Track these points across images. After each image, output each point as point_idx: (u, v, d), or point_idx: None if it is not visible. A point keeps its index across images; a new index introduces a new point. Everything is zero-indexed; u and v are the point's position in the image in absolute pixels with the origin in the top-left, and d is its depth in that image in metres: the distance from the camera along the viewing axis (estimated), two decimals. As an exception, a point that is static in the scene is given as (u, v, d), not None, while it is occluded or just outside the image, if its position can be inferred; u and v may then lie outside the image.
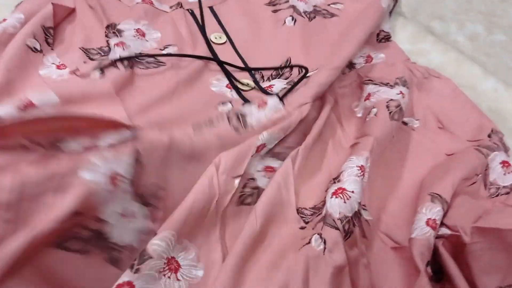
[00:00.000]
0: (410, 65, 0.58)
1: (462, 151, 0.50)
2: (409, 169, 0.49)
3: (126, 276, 0.34)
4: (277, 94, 0.49)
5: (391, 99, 0.51)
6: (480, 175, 0.47)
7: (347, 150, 0.49)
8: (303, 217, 0.42)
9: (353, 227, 0.40)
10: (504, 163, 0.49)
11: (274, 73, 0.56)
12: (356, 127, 0.52)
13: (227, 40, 0.59)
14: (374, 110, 0.50)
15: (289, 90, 0.50)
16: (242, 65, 0.57)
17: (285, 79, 0.55)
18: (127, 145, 0.39)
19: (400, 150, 0.50)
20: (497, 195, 0.47)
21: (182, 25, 0.59)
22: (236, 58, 0.58)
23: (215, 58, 0.55)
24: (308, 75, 0.53)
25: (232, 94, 0.53)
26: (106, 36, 0.54)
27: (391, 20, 0.67)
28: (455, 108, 0.55)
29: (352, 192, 0.42)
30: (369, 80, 0.55)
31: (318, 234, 0.39)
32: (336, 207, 0.40)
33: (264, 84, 0.55)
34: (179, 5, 0.62)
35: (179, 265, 0.38)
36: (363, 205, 0.44)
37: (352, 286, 0.39)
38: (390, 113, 0.50)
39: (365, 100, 0.53)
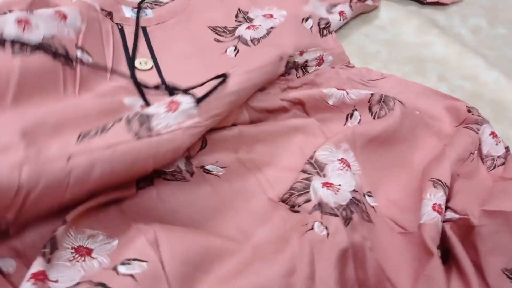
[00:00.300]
0: (350, 73, 0.57)
1: (455, 134, 0.50)
2: (414, 158, 0.50)
3: (40, 265, 0.33)
4: (191, 94, 0.41)
5: (372, 94, 0.50)
6: (476, 152, 0.48)
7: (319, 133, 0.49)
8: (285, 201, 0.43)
9: (351, 214, 0.41)
10: (493, 134, 0.50)
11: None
12: (329, 115, 0.51)
13: (153, 66, 0.53)
14: (357, 114, 0.51)
15: (207, 95, 0.42)
16: (164, 90, 0.49)
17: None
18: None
19: (404, 139, 0.50)
20: (494, 167, 0.48)
21: (107, 38, 0.52)
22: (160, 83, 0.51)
23: (132, 77, 0.49)
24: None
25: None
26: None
27: (393, 11, 0.67)
28: (423, 102, 0.54)
29: (339, 185, 0.43)
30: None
31: (319, 221, 0.40)
32: (330, 198, 0.41)
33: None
34: (110, 15, 0.55)
35: (89, 249, 0.37)
36: (369, 192, 0.45)
37: (361, 268, 0.39)
38: (372, 114, 0.50)
39: (338, 89, 0.51)
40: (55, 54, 0.44)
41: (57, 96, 0.42)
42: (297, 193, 0.42)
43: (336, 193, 0.42)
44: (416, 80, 0.59)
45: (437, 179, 0.44)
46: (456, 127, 0.52)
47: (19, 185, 0.32)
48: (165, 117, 0.39)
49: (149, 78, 0.51)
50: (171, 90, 0.48)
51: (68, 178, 0.34)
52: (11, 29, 0.43)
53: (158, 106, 0.40)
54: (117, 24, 0.55)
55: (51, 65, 0.43)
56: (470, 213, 0.41)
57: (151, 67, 0.53)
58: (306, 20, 0.59)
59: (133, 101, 0.47)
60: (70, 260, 0.38)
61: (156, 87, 0.49)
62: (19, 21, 0.44)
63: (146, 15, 0.59)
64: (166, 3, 0.61)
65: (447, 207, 0.43)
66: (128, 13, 0.57)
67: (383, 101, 0.50)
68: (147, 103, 0.47)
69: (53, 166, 0.34)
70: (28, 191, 0.33)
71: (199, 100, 0.41)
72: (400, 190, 0.47)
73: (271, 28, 0.58)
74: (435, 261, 0.38)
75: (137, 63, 0.52)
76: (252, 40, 0.57)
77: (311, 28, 0.59)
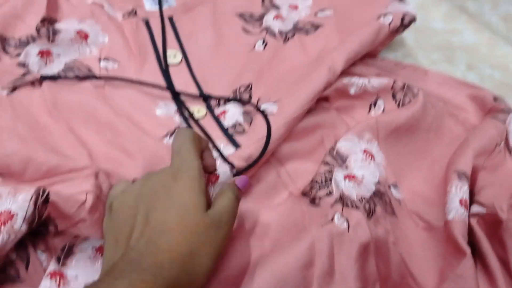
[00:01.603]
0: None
1: (480, 124, 0.48)
2: (438, 148, 0.48)
3: (55, 266, 0.36)
4: (231, 165, 0.41)
5: (394, 81, 0.49)
6: (502, 143, 0.46)
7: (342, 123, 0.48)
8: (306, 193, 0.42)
9: (374, 206, 0.40)
10: None
11: (231, 96, 0.49)
12: (352, 105, 0.50)
13: (183, 59, 0.52)
14: (380, 102, 0.49)
15: (249, 167, 0.42)
16: (195, 88, 0.50)
17: (243, 104, 0.48)
18: None
19: (429, 128, 0.49)
20: None
21: (132, 37, 0.52)
22: (190, 80, 0.51)
23: (169, 87, 0.48)
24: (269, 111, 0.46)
25: (178, 119, 0.47)
26: (37, 29, 0.48)
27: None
28: (446, 91, 0.53)
29: (363, 176, 0.42)
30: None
31: (340, 213, 0.39)
32: (352, 190, 0.41)
33: (218, 110, 0.48)
34: (133, 12, 0.54)
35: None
36: (394, 183, 0.44)
37: (383, 263, 0.39)
38: (396, 101, 0.48)
39: (359, 77, 0.49)
40: (78, 77, 0.46)
41: (100, 116, 0.44)
42: (318, 186, 0.42)
43: (359, 185, 0.41)
44: (444, 68, 0.58)
45: (462, 171, 0.42)
46: (482, 117, 0.50)
47: (77, 213, 0.36)
48: None
49: (179, 72, 0.51)
50: (205, 96, 0.49)
51: None
52: (34, 63, 0.46)
53: None
54: (142, 19, 0.54)
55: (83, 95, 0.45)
56: (498, 207, 0.39)
57: (181, 60, 0.52)
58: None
59: (166, 109, 0.47)
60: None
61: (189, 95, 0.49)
62: (41, 54, 0.47)
63: (169, 2, 0.58)
64: (188, -11, 0.61)
65: (472, 201, 0.42)
66: (149, 3, 0.57)
67: (406, 88, 0.49)
68: (180, 109, 0.47)
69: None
70: (84, 218, 0.36)
71: (239, 172, 0.41)
72: (424, 182, 0.46)
73: (297, 22, 0.56)
74: (468, 261, 0.37)
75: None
76: (280, 33, 0.55)
77: None
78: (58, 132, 0.42)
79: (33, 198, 0.34)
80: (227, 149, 0.44)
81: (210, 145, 0.42)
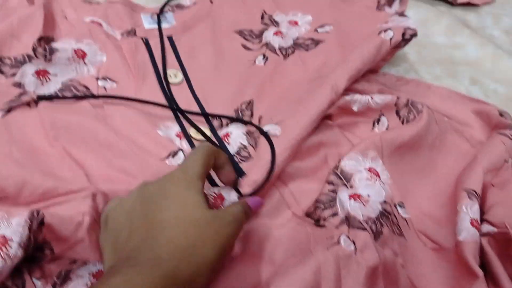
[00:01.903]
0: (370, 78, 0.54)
1: (487, 140, 0.47)
2: (443, 166, 0.47)
3: None
4: (238, 192, 0.40)
5: (398, 98, 0.48)
6: (510, 159, 0.45)
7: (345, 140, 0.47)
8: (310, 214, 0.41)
9: (381, 227, 0.39)
10: None
11: (233, 114, 0.49)
12: (355, 122, 0.49)
13: (183, 79, 0.51)
14: (384, 119, 0.48)
15: (253, 193, 0.40)
16: (197, 108, 0.49)
17: (245, 124, 0.47)
18: None
19: (433, 145, 0.48)
20: None
21: (131, 56, 0.51)
22: (191, 99, 0.50)
23: (171, 105, 0.48)
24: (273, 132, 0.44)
25: (181, 143, 0.46)
26: (33, 49, 0.47)
27: (423, 11, 0.65)
28: (450, 106, 0.52)
29: (368, 196, 0.41)
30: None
31: (346, 235, 0.38)
32: (358, 210, 0.39)
33: (221, 132, 0.47)
34: (132, 32, 0.54)
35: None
36: (400, 202, 0.43)
37: (392, 286, 0.37)
38: (400, 118, 0.48)
39: (362, 94, 0.48)
40: (75, 97, 0.45)
41: (98, 136, 0.43)
42: (322, 206, 0.40)
43: (364, 205, 0.40)
44: (447, 83, 0.57)
45: (472, 190, 0.41)
46: (488, 132, 0.49)
47: (74, 235, 0.35)
48: None
49: (180, 92, 0.50)
50: (207, 115, 0.48)
51: None
52: (30, 83, 0.45)
53: None
54: (142, 38, 0.54)
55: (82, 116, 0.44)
56: (510, 225, 0.38)
57: (182, 80, 0.51)
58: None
59: (167, 130, 0.46)
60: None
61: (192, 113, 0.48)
62: (37, 73, 0.46)
63: (168, 20, 0.57)
64: (188, 6, 0.60)
65: (482, 220, 0.41)
66: (148, 22, 0.56)
67: (410, 104, 0.48)
68: (182, 128, 0.46)
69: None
70: (82, 238, 0.35)
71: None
72: (431, 200, 0.45)
73: (297, 38, 0.56)
74: (481, 283, 0.36)
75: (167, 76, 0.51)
76: (280, 49, 0.54)
77: None
78: (54, 155, 0.41)
79: (27, 222, 0.33)
80: None
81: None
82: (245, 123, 0.47)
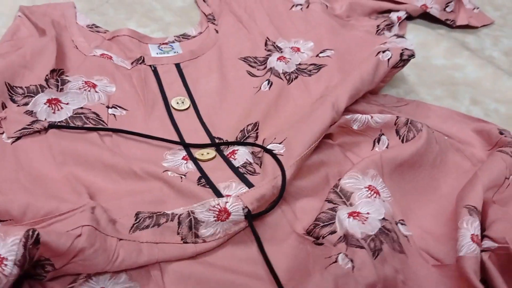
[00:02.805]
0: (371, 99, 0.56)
1: (488, 158, 0.48)
2: (445, 184, 0.48)
3: None
4: (248, 210, 0.40)
5: (397, 117, 0.49)
6: (511, 176, 0.45)
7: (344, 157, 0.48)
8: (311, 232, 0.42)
9: (381, 244, 0.39)
10: None
11: (239, 136, 0.50)
12: (355, 142, 0.50)
13: (190, 105, 0.53)
14: (384, 138, 0.49)
15: (262, 213, 0.41)
16: (203, 131, 0.50)
17: (251, 145, 0.48)
18: None
19: (433, 164, 0.48)
20: None
21: (140, 85, 0.53)
22: (198, 124, 0.51)
23: (182, 142, 0.48)
24: (276, 151, 0.45)
25: (187, 165, 0.46)
26: (46, 80, 0.50)
27: (422, 35, 0.66)
28: (450, 126, 0.53)
29: (368, 213, 0.41)
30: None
31: (344, 254, 0.38)
32: (356, 228, 0.40)
33: (227, 150, 0.48)
34: (141, 60, 0.56)
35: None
36: (401, 219, 0.44)
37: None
38: (400, 137, 0.49)
39: (362, 114, 0.50)
40: (85, 128, 0.47)
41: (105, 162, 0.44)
42: (321, 224, 0.41)
43: (363, 223, 0.40)
44: (448, 103, 0.58)
45: (472, 206, 0.42)
46: (489, 151, 0.50)
47: (73, 247, 0.35)
48: (213, 226, 0.39)
49: (187, 118, 0.51)
50: (215, 145, 0.49)
51: (115, 257, 0.36)
52: (42, 111, 0.47)
53: (208, 213, 0.39)
54: (150, 65, 0.56)
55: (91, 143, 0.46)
56: (510, 241, 0.38)
57: (188, 107, 0.52)
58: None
59: (174, 158, 0.47)
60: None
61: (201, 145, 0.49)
62: (49, 102, 0.48)
63: (174, 50, 0.59)
64: (194, 36, 0.63)
65: (483, 236, 0.41)
66: (155, 52, 0.59)
67: (410, 123, 0.49)
68: (190, 154, 0.47)
69: (105, 243, 0.36)
70: (79, 254, 0.35)
71: (251, 216, 0.40)
72: (432, 218, 0.45)
73: (300, 64, 0.58)
74: None
75: (173, 103, 0.52)
76: (284, 74, 0.56)
77: None
78: (61, 180, 0.43)
79: (22, 241, 0.33)
80: (239, 189, 0.43)
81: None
82: (251, 145, 0.48)
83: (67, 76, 0.51)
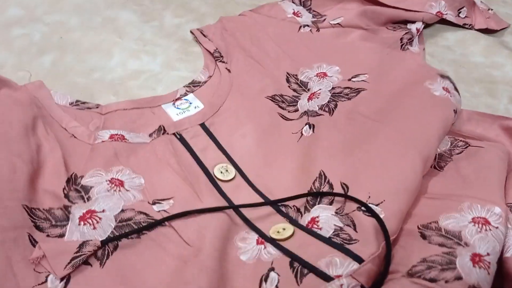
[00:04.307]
0: None
1: None
2: None
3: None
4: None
5: None
6: None
7: None
8: None
9: None
10: None
11: (309, 198, 0.43)
12: None
13: (236, 172, 0.46)
14: None
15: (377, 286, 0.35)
16: (262, 201, 0.43)
17: (330, 203, 0.42)
18: None
19: None
20: None
21: (173, 160, 0.46)
22: (253, 194, 0.44)
23: (242, 217, 0.42)
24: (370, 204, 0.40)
25: (268, 251, 0.39)
26: (66, 196, 0.41)
27: (460, 32, 0.64)
28: (475, 126, 0.51)
29: (488, 255, 0.37)
30: None
31: None
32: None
33: (305, 219, 0.41)
34: (161, 130, 0.48)
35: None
36: None
37: None
38: None
39: None
40: (142, 229, 0.40)
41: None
42: (439, 267, 0.36)
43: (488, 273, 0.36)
44: (486, 101, 0.55)
45: None
46: None
47: None
48: None
49: (238, 188, 0.44)
50: (278, 207, 0.43)
51: None
52: (83, 234, 0.39)
53: None
54: (174, 134, 0.48)
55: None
56: None
57: (235, 175, 0.45)
58: None
59: (248, 245, 0.40)
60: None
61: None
62: (82, 219, 0.40)
63: (194, 104, 0.52)
64: (205, 82, 0.55)
65: None
66: (172, 111, 0.51)
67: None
68: (263, 236, 0.40)
69: None
70: None
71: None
72: None
73: (333, 88, 0.52)
74: None
75: (217, 173, 0.45)
76: (321, 108, 0.50)
77: None
78: None
79: None
80: (347, 265, 0.37)
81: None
82: (351, 199, 0.41)
83: (84, 180, 0.43)
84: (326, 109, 0.50)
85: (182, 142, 0.48)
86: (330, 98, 0.51)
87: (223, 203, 0.43)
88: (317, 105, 0.51)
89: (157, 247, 0.39)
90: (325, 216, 0.41)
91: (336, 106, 0.50)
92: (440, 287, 0.34)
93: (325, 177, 0.44)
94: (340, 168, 0.44)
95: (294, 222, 0.41)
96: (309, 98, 0.52)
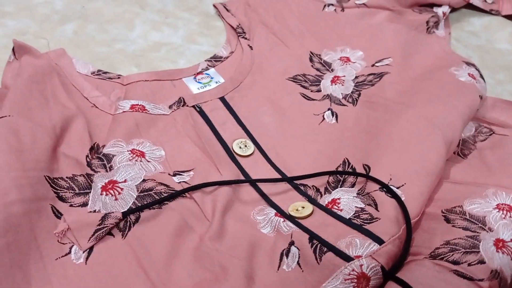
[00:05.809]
0: None
1: None
2: None
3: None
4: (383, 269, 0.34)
5: None
6: None
7: None
8: None
9: None
10: None
11: (331, 180, 0.42)
12: None
13: (255, 148, 0.45)
14: None
15: (396, 268, 0.35)
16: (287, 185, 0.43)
17: (351, 186, 0.42)
18: None
19: None
20: None
21: (192, 132, 0.46)
22: (272, 171, 0.44)
23: (249, 179, 0.42)
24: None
25: (287, 224, 0.39)
26: (89, 165, 0.41)
27: (487, 18, 0.63)
28: (499, 114, 0.50)
29: (511, 241, 0.37)
30: None
31: None
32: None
33: (324, 200, 0.41)
34: (181, 102, 0.48)
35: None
36: None
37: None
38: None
39: None
40: (163, 200, 0.39)
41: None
42: (462, 250, 0.36)
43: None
44: (510, 88, 0.54)
45: None
46: None
47: None
48: None
49: (256, 164, 0.44)
50: (297, 185, 0.42)
51: None
52: (105, 205, 0.39)
53: (342, 285, 0.33)
54: (193, 106, 0.48)
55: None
56: None
57: (253, 151, 0.45)
58: None
59: (266, 217, 0.40)
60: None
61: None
62: (104, 189, 0.40)
63: (215, 79, 0.52)
64: (226, 57, 0.55)
65: None
66: (193, 85, 0.51)
67: None
68: (281, 211, 0.40)
69: None
70: None
71: (391, 276, 0.34)
72: None
73: (356, 77, 0.51)
74: None
75: (236, 147, 0.45)
76: (345, 98, 0.50)
77: None
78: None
79: None
80: (367, 245, 0.36)
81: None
82: (355, 175, 0.41)
83: (106, 148, 0.43)
84: (350, 99, 0.50)
85: (202, 115, 0.47)
86: (353, 88, 0.51)
87: (241, 177, 0.43)
88: (341, 93, 0.50)
89: (179, 217, 0.39)
90: (346, 199, 0.40)
91: (359, 95, 0.50)
92: (463, 270, 0.34)
93: (349, 163, 0.44)
94: (363, 153, 0.44)
95: (313, 201, 0.41)
96: (333, 81, 0.51)
